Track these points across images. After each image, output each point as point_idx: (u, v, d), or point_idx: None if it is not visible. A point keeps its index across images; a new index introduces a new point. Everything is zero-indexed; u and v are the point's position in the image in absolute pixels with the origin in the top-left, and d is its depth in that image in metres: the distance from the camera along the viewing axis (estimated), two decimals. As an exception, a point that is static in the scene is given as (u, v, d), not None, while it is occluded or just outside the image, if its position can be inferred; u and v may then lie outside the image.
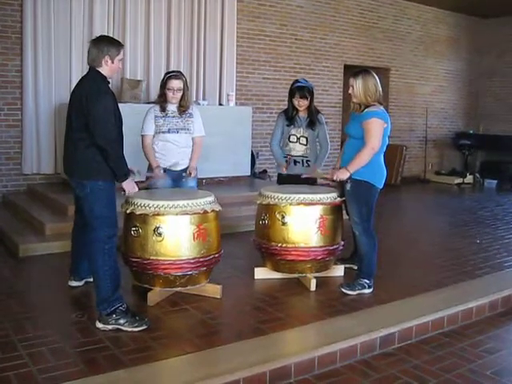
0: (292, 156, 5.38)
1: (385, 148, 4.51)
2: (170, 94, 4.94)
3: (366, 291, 4.49)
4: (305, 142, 5.35)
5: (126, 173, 3.81)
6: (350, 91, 4.52)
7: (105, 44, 3.80)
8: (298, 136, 5.35)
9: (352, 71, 4.66)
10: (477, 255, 5.80)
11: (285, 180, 5.35)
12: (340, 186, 4.65)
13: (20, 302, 4.17)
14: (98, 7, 7.72)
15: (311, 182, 5.25)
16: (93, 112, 3.61)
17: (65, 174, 4.00)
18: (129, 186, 3.89)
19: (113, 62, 3.80)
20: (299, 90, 5.30)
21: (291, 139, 5.37)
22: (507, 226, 7.46)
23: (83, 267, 4.39)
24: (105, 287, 3.70)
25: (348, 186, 4.48)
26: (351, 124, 4.56)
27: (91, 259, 3.80)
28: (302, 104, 5.30)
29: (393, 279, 4.88)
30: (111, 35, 7.48)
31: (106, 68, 3.79)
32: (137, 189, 3.98)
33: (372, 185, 4.43)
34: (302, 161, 5.38)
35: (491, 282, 4.90)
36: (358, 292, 4.46)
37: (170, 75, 4.99)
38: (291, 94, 5.35)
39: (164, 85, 4.97)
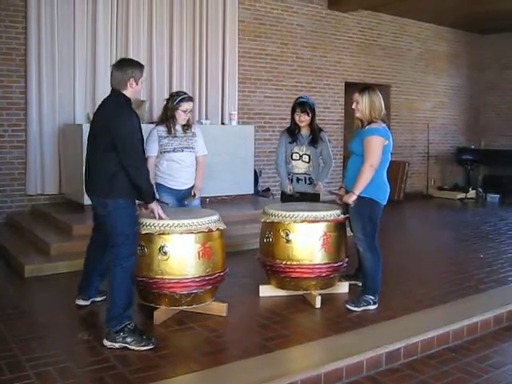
0: (294, 174, 5.42)
1: (387, 164, 4.54)
2: (182, 116, 4.98)
3: (371, 307, 4.49)
4: (307, 160, 5.38)
5: (153, 193, 3.84)
6: (353, 106, 4.56)
7: (129, 67, 3.85)
8: (301, 154, 5.38)
9: (358, 87, 4.69)
10: (481, 270, 5.80)
11: (288, 198, 5.38)
12: (344, 202, 4.67)
13: (27, 322, 4.18)
14: (100, 29, 7.82)
15: (314, 199, 5.29)
16: (120, 132, 3.67)
17: (86, 193, 4.04)
18: (158, 208, 3.96)
19: (137, 84, 3.85)
20: (300, 105, 5.35)
21: (294, 157, 5.40)
22: (510, 240, 7.46)
23: (93, 286, 4.44)
24: (118, 304, 3.71)
25: (352, 203, 4.50)
26: (354, 141, 4.59)
27: (110, 275, 3.82)
28: (302, 119, 5.33)
29: (397, 295, 4.89)
30: (114, 56, 7.62)
31: (130, 90, 3.84)
32: (165, 216, 4.03)
33: (376, 201, 4.45)
34: (305, 178, 5.41)
35: (496, 296, 4.90)
36: (363, 308, 4.46)
37: (183, 97, 4.99)
38: (293, 110, 5.41)
39: (175, 107, 4.95)
